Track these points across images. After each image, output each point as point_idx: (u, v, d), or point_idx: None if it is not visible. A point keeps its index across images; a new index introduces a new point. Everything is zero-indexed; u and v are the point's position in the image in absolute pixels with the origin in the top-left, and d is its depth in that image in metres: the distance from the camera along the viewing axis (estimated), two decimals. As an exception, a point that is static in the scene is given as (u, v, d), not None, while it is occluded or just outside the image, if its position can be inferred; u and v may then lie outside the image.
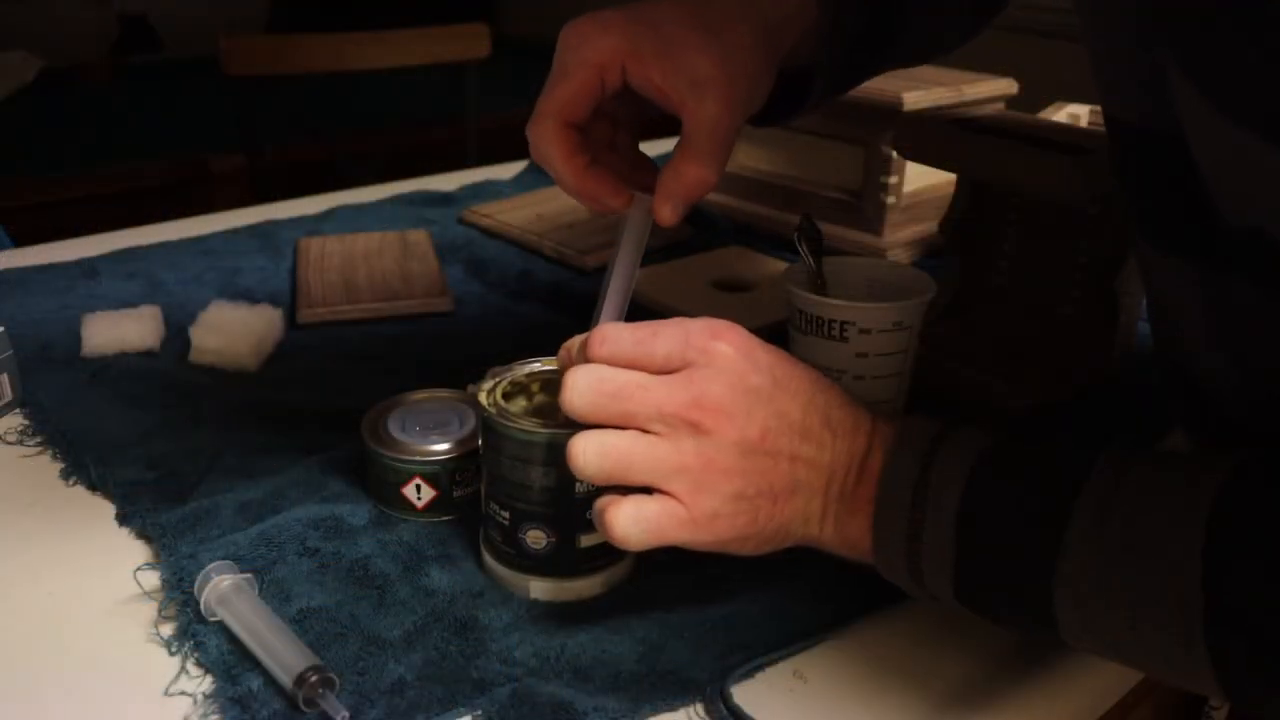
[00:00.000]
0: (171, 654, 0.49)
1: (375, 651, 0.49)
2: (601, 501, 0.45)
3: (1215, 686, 0.39)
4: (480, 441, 0.53)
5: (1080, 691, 0.50)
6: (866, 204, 0.96)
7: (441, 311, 0.86)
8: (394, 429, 0.59)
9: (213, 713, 0.45)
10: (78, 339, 0.77)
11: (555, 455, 0.49)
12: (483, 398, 0.52)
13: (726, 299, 0.87)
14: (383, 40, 1.82)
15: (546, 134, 0.51)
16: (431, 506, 0.58)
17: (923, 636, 0.52)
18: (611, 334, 0.46)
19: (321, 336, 0.82)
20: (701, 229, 1.03)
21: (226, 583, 0.50)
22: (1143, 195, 0.47)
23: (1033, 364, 0.74)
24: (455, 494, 0.58)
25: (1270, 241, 0.39)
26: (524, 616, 0.51)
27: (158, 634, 0.50)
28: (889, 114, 0.90)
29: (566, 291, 0.88)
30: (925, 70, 1.00)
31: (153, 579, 0.53)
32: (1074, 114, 1.07)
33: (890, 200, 0.95)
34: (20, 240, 1.06)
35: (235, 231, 1.02)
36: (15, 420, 0.69)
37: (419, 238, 0.99)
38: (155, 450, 0.64)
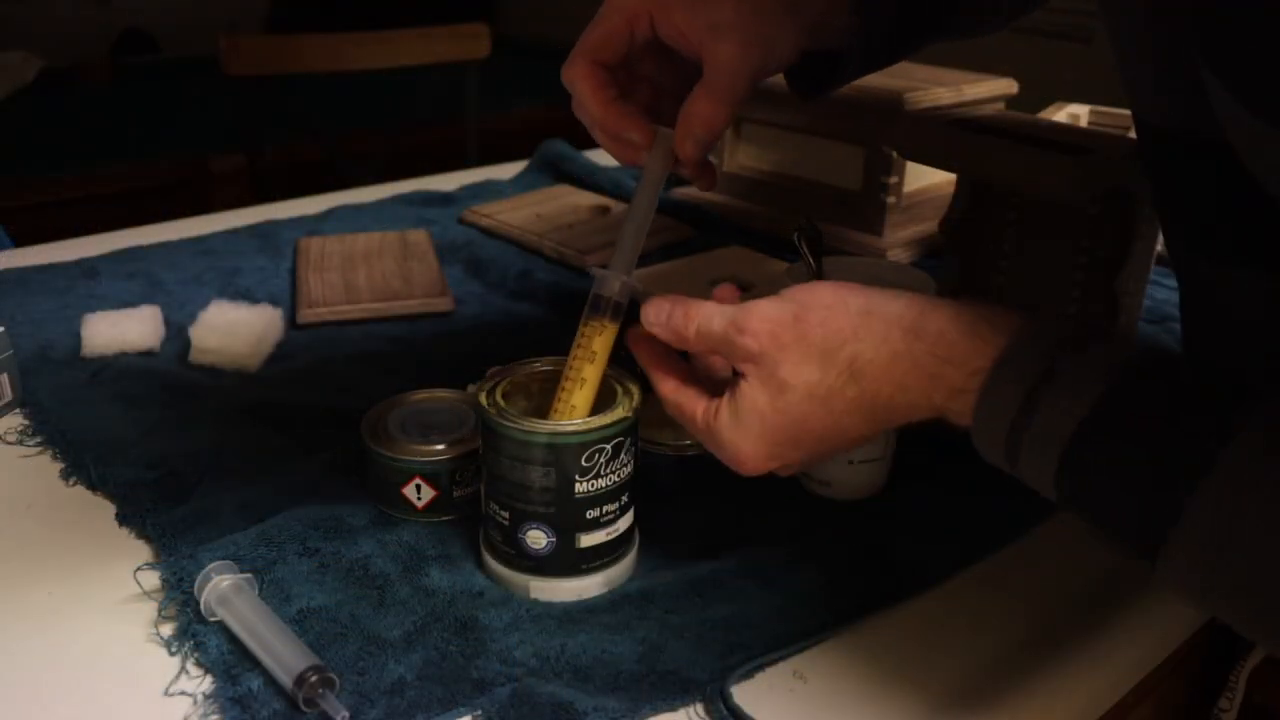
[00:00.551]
0: (171, 654, 0.49)
1: (375, 651, 0.49)
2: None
3: None
4: (480, 441, 0.53)
5: (1080, 691, 0.50)
6: (866, 204, 0.96)
7: (441, 311, 0.86)
8: (394, 429, 0.59)
9: (213, 713, 0.45)
10: (78, 339, 0.77)
11: (555, 455, 0.49)
12: (483, 398, 0.52)
13: (726, 299, 0.87)
14: (383, 40, 1.82)
15: (578, 69, 0.55)
16: (431, 506, 0.58)
17: (923, 636, 0.52)
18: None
19: (321, 336, 0.82)
20: (701, 229, 1.03)
21: (226, 583, 0.50)
22: (1194, 209, 0.47)
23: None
24: (455, 494, 0.58)
25: None
26: (524, 616, 0.51)
27: (158, 634, 0.50)
28: (889, 114, 0.90)
29: (566, 291, 0.88)
30: (925, 70, 1.00)
31: (153, 579, 0.53)
32: (1074, 114, 1.07)
33: (890, 200, 0.95)
34: (20, 240, 1.06)
35: (235, 231, 1.02)
36: (15, 420, 0.69)
37: (419, 238, 0.99)
38: (155, 450, 0.64)
